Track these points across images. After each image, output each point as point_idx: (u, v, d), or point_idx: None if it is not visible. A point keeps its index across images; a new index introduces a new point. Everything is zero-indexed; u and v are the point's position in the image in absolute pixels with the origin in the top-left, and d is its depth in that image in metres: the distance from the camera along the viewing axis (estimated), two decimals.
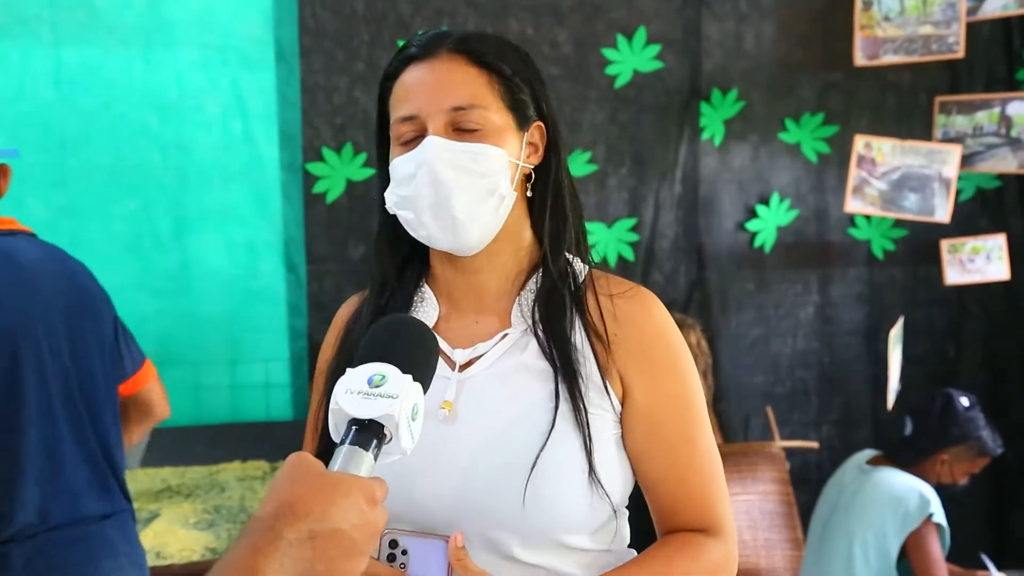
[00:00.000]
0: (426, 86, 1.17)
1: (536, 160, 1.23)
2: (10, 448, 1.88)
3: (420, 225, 1.18)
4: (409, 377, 0.93)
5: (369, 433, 0.91)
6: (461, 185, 1.14)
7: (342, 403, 0.92)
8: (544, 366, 1.17)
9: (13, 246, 1.96)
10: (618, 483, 1.18)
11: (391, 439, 0.92)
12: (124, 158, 3.44)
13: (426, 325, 1.06)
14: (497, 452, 1.13)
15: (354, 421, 0.91)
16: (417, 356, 0.98)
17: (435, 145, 1.14)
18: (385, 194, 1.21)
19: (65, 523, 1.91)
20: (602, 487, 1.14)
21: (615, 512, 1.18)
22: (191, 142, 3.50)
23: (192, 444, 3.39)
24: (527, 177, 1.23)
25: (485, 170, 1.15)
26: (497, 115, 1.18)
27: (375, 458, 0.91)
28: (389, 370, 0.93)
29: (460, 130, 1.16)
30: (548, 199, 1.23)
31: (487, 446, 1.13)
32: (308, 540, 0.81)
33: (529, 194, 1.23)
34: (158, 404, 2.24)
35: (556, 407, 1.13)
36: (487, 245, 1.20)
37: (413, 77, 1.19)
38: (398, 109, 1.19)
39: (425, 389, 0.97)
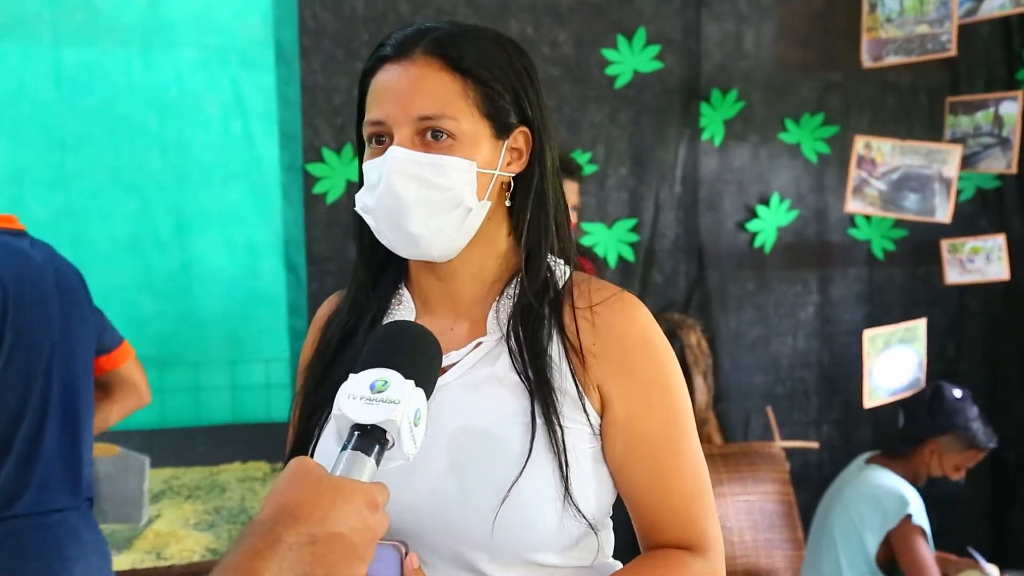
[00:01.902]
0: (396, 92, 1.11)
1: (519, 167, 1.17)
2: (9, 438, 1.94)
3: (381, 234, 1.15)
4: (411, 383, 0.93)
5: (371, 438, 0.91)
6: (420, 199, 1.10)
7: (344, 408, 0.92)
8: (517, 379, 1.13)
9: (25, 247, 2.03)
10: (594, 500, 1.13)
11: (393, 444, 0.92)
12: (124, 158, 3.44)
13: (429, 331, 1.04)
14: (467, 468, 1.10)
15: (356, 426, 0.91)
16: (420, 362, 0.98)
17: (397, 157, 1.10)
18: (356, 196, 1.17)
19: (32, 512, 1.97)
20: (576, 508, 1.09)
21: (592, 528, 1.13)
22: (191, 142, 3.50)
23: (193, 445, 3.39)
24: (507, 185, 1.17)
25: (448, 183, 1.11)
26: (469, 124, 1.12)
27: (377, 463, 0.91)
28: (391, 375, 0.93)
29: (428, 140, 1.11)
30: (529, 209, 1.17)
31: (457, 461, 1.10)
32: (308, 544, 0.81)
33: (508, 203, 1.18)
34: (140, 383, 2.27)
35: (532, 435, 1.09)
36: (460, 252, 1.16)
37: (385, 79, 1.13)
38: (370, 111, 1.14)
39: (428, 395, 0.96)
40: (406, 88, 1.11)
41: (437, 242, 1.13)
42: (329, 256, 3.55)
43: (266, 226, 3.59)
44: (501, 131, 1.15)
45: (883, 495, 2.89)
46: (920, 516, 2.87)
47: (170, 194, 3.49)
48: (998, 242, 3.74)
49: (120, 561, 2.58)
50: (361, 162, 1.19)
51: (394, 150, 1.11)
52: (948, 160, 3.46)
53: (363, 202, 1.15)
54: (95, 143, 3.41)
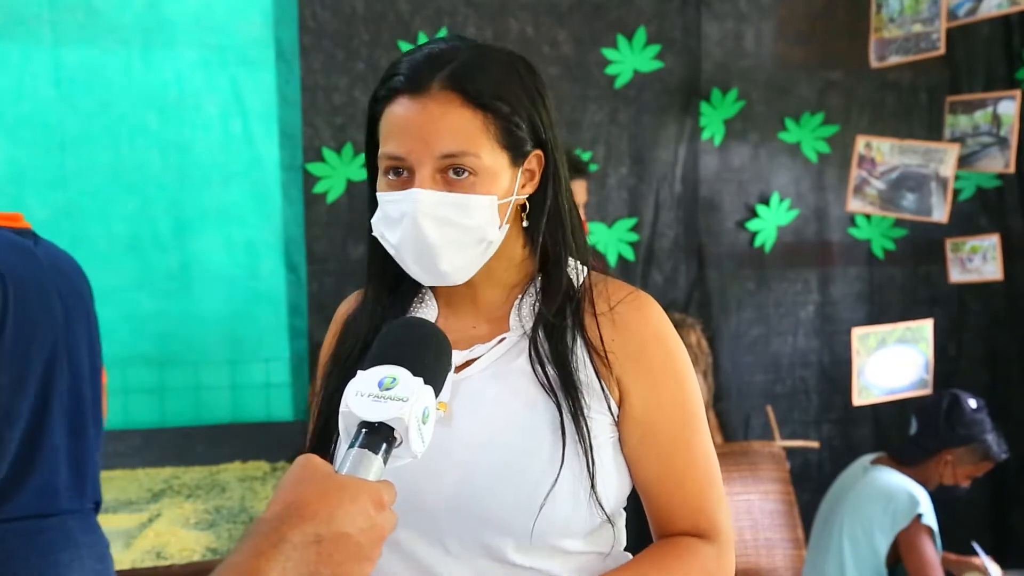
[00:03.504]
0: (417, 128, 1.11)
1: (532, 188, 1.20)
2: (5, 439, 1.90)
3: (406, 267, 1.17)
4: (420, 380, 0.93)
5: (379, 436, 0.90)
6: (447, 239, 1.12)
7: (352, 406, 0.91)
8: (542, 372, 1.16)
9: (29, 246, 2.01)
10: (614, 489, 1.18)
11: (401, 442, 0.91)
12: (124, 158, 3.44)
13: (439, 328, 1.05)
14: (495, 457, 1.12)
15: (364, 424, 0.91)
16: (429, 359, 0.97)
17: (421, 200, 1.11)
18: (372, 221, 1.18)
19: (24, 516, 1.92)
20: (599, 502, 1.14)
21: (610, 516, 1.17)
22: (191, 142, 3.49)
23: (192, 444, 3.39)
24: (522, 205, 1.20)
25: (473, 222, 1.12)
26: (489, 158, 1.12)
27: (384, 461, 0.90)
28: (400, 373, 0.93)
29: (449, 177, 1.12)
30: (543, 227, 1.20)
31: (484, 450, 1.13)
32: (313, 544, 0.80)
33: (525, 224, 1.20)
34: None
35: (564, 444, 1.12)
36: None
37: (403, 112, 1.12)
38: (386, 143, 1.14)
39: (437, 392, 0.96)
40: (427, 125, 1.10)
41: (462, 275, 1.17)
42: (329, 255, 3.55)
43: (266, 226, 3.59)
44: (517, 158, 1.17)
45: (894, 495, 2.88)
46: (929, 516, 2.87)
47: (170, 194, 3.48)
48: (993, 241, 3.74)
49: (120, 560, 2.57)
50: (372, 185, 1.19)
51: (418, 193, 1.11)
52: (945, 159, 3.45)
53: (381, 233, 1.17)
54: (95, 143, 3.40)
